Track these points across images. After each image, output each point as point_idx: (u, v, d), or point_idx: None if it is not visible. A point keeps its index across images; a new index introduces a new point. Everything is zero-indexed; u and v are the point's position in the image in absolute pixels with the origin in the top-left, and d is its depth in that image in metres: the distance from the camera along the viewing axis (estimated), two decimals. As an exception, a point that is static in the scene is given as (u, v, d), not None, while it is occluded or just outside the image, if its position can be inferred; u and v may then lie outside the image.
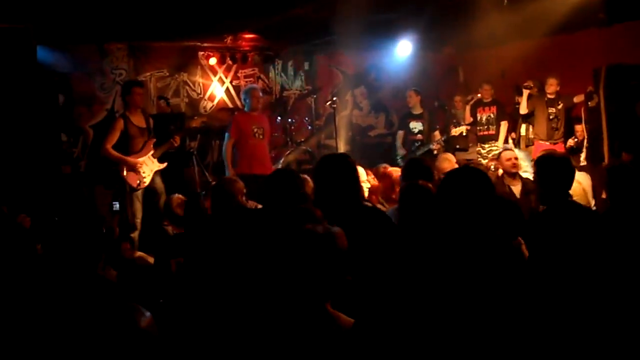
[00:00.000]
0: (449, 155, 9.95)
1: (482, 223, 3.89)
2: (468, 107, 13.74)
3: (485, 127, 13.47)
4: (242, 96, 11.31)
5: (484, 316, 3.58)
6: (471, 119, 13.64)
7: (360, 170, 7.41)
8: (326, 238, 3.32)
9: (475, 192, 3.92)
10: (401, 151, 13.28)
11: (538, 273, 4.44)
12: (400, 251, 4.88)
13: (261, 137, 10.96)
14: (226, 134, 10.95)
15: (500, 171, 9.10)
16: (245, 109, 11.20)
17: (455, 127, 12.90)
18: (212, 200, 6.81)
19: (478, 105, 13.65)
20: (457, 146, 13.30)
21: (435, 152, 12.78)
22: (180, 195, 7.92)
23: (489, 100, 13.54)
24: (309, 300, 3.25)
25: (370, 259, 4.61)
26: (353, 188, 5.34)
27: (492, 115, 13.41)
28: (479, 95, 13.66)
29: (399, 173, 7.56)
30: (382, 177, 8.21)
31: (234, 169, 10.49)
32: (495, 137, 13.29)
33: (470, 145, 13.71)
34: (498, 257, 3.85)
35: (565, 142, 12.55)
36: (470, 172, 4.22)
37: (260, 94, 11.45)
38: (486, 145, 13.32)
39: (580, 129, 12.49)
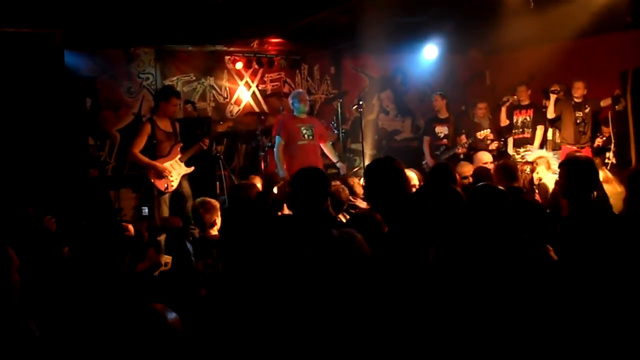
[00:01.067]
0: (481, 154, 9.93)
1: (507, 231, 3.91)
2: (504, 109, 13.54)
3: (521, 130, 13.26)
4: (290, 100, 11.28)
5: (508, 318, 3.57)
6: (507, 122, 13.50)
7: (412, 175, 7.43)
8: (342, 242, 3.31)
9: (494, 211, 3.98)
10: (429, 159, 13.12)
11: (566, 276, 4.42)
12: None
13: (311, 138, 10.99)
14: (277, 138, 10.97)
15: (537, 175, 8.98)
16: (295, 112, 11.18)
17: (480, 131, 12.78)
18: (228, 203, 6.87)
19: (515, 107, 13.51)
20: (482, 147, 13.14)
21: (461, 156, 12.72)
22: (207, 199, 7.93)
23: (526, 102, 13.40)
24: (334, 303, 3.24)
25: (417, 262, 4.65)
26: (399, 190, 5.41)
27: (528, 119, 13.21)
28: (515, 97, 13.52)
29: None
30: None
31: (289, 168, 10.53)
32: (530, 141, 13.09)
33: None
34: (524, 262, 3.84)
35: (592, 147, 12.45)
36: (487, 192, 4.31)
37: (307, 97, 11.48)
38: (521, 149, 13.14)
39: (607, 130, 12.39)
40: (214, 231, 6.89)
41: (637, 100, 11.12)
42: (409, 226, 4.63)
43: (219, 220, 6.96)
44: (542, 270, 4.03)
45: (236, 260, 5.56)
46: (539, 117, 13.14)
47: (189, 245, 6.35)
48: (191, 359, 3.17)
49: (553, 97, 12.67)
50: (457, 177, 8.22)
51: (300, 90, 12.82)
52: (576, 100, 12.53)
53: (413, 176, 7.54)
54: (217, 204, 7.11)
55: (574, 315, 3.85)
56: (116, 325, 2.79)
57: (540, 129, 13.07)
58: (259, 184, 7.79)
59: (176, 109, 10.57)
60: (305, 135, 10.91)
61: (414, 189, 7.24)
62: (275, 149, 11.03)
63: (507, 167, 7.91)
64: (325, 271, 3.26)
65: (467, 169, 8.99)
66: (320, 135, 11.25)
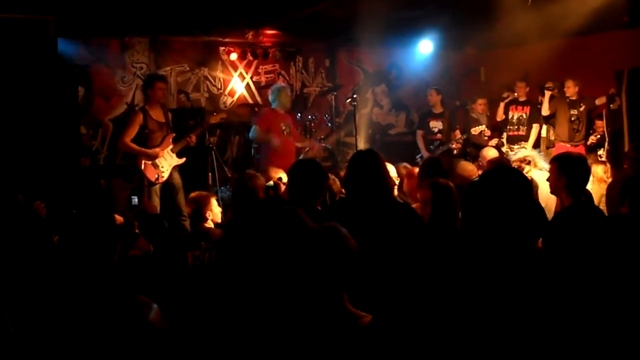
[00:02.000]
0: (487, 150, 9.91)
1: (511, 224, 3.86)
2: (502, 105, 13.55)
3: (516, 127, 13.25)
4: (274, 93, 11.26)
5: (504, 316, 3.55)
6: (503, 117, 13.50)
7: (389, 167, 7.42)
8: (322, 235, 3.27)
9: (510, 193, 3.88)
10: (424, 153, 13.09)
11: (555, 274, 4.40)
12: (427, 248, 4.90)
13: (288, 133, 11.02)
14: (254, 127, 11.04)
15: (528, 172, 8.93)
16: (273, 106, 11.17)
17: (475, 127, 12.77)
18: (233, 193, 6.85)
19: (511, 103, 13.50)
20: (478, 143, 13.12)
21: (455, 151, 12.73)
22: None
23: (523, 99, 13.38)
24: (322, 297, 3.21)
25: (399, 253, 4.62)
26: (382, 183, 5.39)
27: (524, 116, 13.20)
28: (516, 94, 13.52)
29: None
30: (409, 176, 8.19)
31: (267, 163, 10.44)
32: (525, 139, 13.10)
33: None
34: (521, 258, 3.81)
35: (586, 144, 12.45)
36: (508, 173, 4.18)
37: (289, 92, 11.48)
38: (515, 146, 13.09)
39: (600, 124, 12.40)
40: (208, 224, 6.86)
41: (632, 100, 11.13)
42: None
43: (211, 213, 6.93)
44: (533, 265, 4.00)
45: (233, 251, 5.54)
46: (536, 115, 13.13)
47: (168, 233, 6.31)
48: (173, 354, 3.13)
49: (548, 93, 12.69)
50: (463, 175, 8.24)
51: (282, 84, 12.76)
52: (571, 98, 12.53)
53: (391, 169, 7.48)
54: (211, 197, 7.09)
55: (560, 312, 3.83)
56: (95, 322, 2.75)
57: (535, 128, 13.09)
58: (280, 175, 7.71)
59: (163, 92, 10.44)
60: (285, 131, 10.96)
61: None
62: (253, 133, 11.15)
63: (502, 163, 7.90)
64: (308, 265, 3.23)
65: (471, 168, 8.92)
66: (294, 132, 11.44)
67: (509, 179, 3.92)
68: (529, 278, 3.67)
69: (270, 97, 11.36)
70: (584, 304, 3.83)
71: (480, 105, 14.05)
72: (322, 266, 3.19)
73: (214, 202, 7.01)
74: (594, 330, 3.76)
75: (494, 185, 3.92)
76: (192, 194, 7.25)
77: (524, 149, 12.15)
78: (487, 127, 13.05)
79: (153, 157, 9.99)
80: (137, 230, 5.88)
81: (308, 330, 3.16)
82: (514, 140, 13.19)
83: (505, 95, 13.71)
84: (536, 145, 13.05)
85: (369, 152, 5.78)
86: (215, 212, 6.97)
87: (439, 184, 5.92)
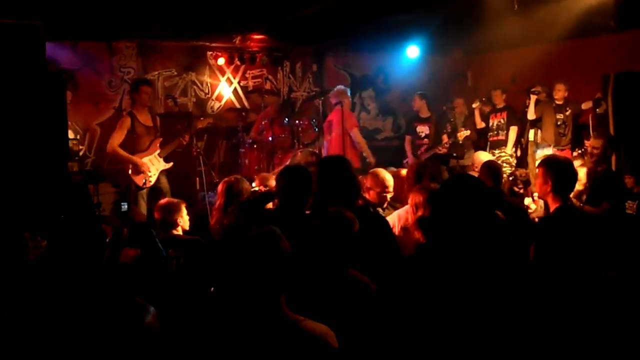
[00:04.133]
0: (480, 154, 9.99)
1: (484, 226, 3.89)
2: (476, 112, 13.71)
3: (496, 132, 13.41)
4: (341, 95, 11.76)
5: (488, 316, 3.57)
6: (482, 124, 13.65)
7: (388, 177, 7.41)
8: (261, 239, 3.32)
9: (469, 199, 3.94)
10: (409, 157, 13.15)
11: (544, 276, 4.43)
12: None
13: None
14: (356, 130, 11.83)
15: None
16: (340, 106, 11.48)
17: (460, 132, 12.83)
18: (222, 197, 6.85)
19: (490, 112, 13.63)
20: (454, 154, 13.23)
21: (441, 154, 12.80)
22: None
23: (500, 106, 13.51)
24: (259, 300, 3.27)
25: (365, 259, 4.63)
26: (347, 189, 5.40)
27: (502, 121, 13.33)
28: (484, 99, 13.64)
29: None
30: (394, 178, 8.20)
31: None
32: (505, 143, 13.22)
33: (466, 151, 13.57)
34: (507, 259, 3.84)
35: (572, 149, 12.47)
36: (463, 180, 4.26)
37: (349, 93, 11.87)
38: (496, 151, 13.21)
39: (589, 144, 12.46)
40: (177, 231, 6.84)
41: (618, 104, 11.13)
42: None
43: (182, 220, 6.92)
44: (521, 267, 4.02)
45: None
46: (513, 118, 13.31)
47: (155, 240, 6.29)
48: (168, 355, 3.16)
49: (534, 97, 12.73)
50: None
51: (344, 86, 12.81)
52: (557, 102, 12.59)
53: (389, 178, 7.39)
54: (181, 204, 7.07)
55: (548, 315, 3.85)
56: (92, 322, 2.77)
57: (513, 130, 13.22)
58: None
59: (149, 96, 10.42)
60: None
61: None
62: (358, 139, 11.98)
63: (491, 168, 7.92)
64: (244, 269, 3.27)
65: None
66: None
67: (464, 186, 4.01)
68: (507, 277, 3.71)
69: (334, 100, 11.72)
70: (574, 308, 3.85)
71: (458, 107, 14.16)
72: (258, 269, 3.24)
73: (184, 209, 7.01)
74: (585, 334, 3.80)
75: (451, 192, 4.00)
76: (162, 202, 7.20)
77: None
78: (468, 128, 13.12)
79: (139, 166, 9.98)
80: (125, 237, 5.88)
81: (245, 333, 3.21)
82: (495, 146, 13.36)
83: (475, 105, 13.83)
84: (516, 147, 13.25)
85: (337, 157, 5.79)
86: (185, 219, 6.97)
87: (431, 188, 5.94)
